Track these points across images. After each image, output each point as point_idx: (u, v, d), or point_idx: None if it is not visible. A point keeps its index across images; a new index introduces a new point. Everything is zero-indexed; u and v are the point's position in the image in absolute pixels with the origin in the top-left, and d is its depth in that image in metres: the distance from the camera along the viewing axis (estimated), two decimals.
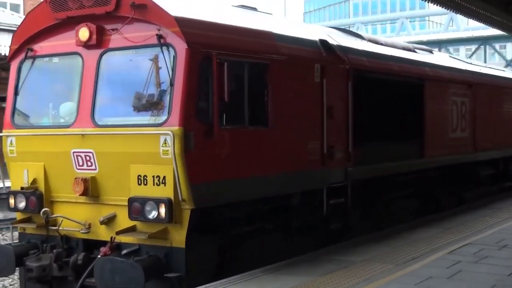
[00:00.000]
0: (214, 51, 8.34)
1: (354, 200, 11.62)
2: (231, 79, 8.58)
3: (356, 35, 13.48)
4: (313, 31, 11.16)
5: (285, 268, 9.09)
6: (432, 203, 15.27)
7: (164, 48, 8.21)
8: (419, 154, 13.91)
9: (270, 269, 8.99)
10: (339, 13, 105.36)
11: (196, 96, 8.23)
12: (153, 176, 8.26)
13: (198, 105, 8.26)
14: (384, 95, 12.48)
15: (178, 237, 8.25)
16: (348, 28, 34.16)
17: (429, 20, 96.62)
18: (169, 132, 7.96)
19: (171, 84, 8.13)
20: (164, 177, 8.18)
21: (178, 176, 8.01)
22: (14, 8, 31.47)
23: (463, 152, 15.82)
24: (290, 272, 8.88)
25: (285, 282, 8.34)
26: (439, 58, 16.18)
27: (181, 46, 8.13)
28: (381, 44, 13.57)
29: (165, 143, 8.05)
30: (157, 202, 8.15)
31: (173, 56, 8.18)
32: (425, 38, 60.86)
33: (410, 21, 77.41)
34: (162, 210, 8.13)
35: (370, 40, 13.38)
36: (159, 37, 8.20)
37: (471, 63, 18.56)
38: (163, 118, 8.22)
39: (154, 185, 8.27)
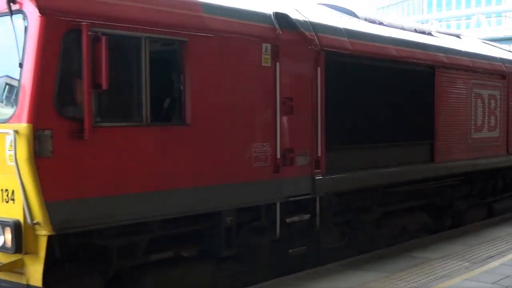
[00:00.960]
0: (85, 21, 6.12)
1: (326, 218, 9.23)
2: (117, 59, 6.38)
3: (348, 12, 11.00)
4: (273, 3, 8.78)
5: (362, 264, 9.26)
6: (448, 217, 12.62)
7: (15, 16, 6.06)
8: (429, 159, 11.33)
9: (345, 264, 9.23)
10: (413, 9, 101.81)
11: (57, 81, 6.02)
12: (1, 190, 6.14)
13: (59, 94, 6.05)
14: (376, 86, 10.01)
15: (34, 273, 6.09)
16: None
17: (505, 16, 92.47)
18: (10, 131, 5.81)
19: (20, 65, 5.97)
20: (12, 192, 6.04)
21: (25, 191, 5.84)
22: None
23: (491, 155, 13.09)
24: (366, 268, 9.05)
25: (363, 277, 8.49)
26: (464, 43, 13.46)
27: (33, 13, 5.96)
28: (380, 24, 11.06)
29: (11, 146, 5.90)
30: (2, 225, 6.03)
31: (25, 27, 6.02)
32: (501, 34, 56.95)
33: (486, 17, 73.82)
34: (8, 236, 6.00)
35: (366, 19, 10.90)
36: (10, 1, 6.06)
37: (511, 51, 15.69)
38: (10, 111, 6.08)
39: (2, 201, 6.15)
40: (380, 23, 11.08)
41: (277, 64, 8.15)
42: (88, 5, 6.30)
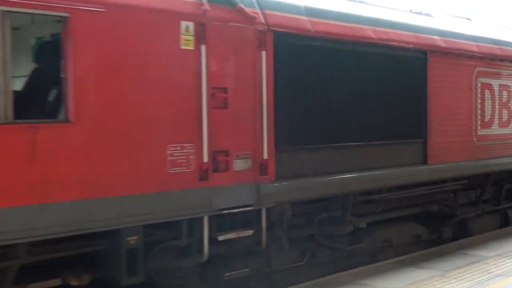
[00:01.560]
0: None
1: (278, 233, 7.70)
2: None
3: None
4: None
5: (415, 261, 9.16)
6: (449, 227, 10.88)
7: None
8: (421, 160, 9.65)
9: (398, 262, 9.13)
10: None
11: None
12: None
13: None
14: (347, 74, 8.39)
15: None
16: None
17: None
18: None
19: None
20: None
21: None
22: None
23: (503, 154, 11.30)
24: (420, 265, 8.95)
25: (416, 275, 8.44)
26: (473, 26, 11.66)
27: None
28: (361, 2, 9.40)
29: None
30: None
31: None
32: None
33: None
34: None
35: None
36: None
37: None
38: None
39: None
40: (361, 1, 9.41)
41: (203, 47, 6.63)
42: None
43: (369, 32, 8.72)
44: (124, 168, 6.01)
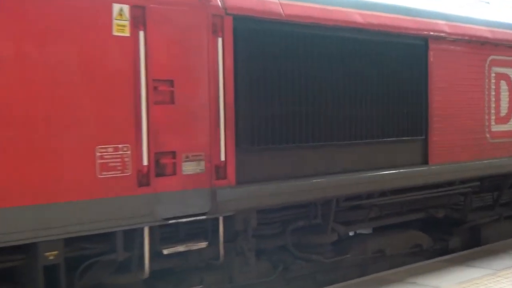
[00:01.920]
0: None
1: (240, 244, 6.82)
2: None
3: None
4: None
5: (466, 260, 8.99)
6: (457, 236, 9.81)
7: None
8: (421, 160, 8.61)
9: (449, 260, 8.97)
10: None
11: None
12: None
13: None
14: (329, 64, 7.43)
15: None
16: None
17: None
18: None
19: None
20: None
21: None
22: None
23: None
24: (471, 264, 8.81)
25: (467, 273, 8.33)
26: (489, 10, 10.51)
27: None
28: None
29: None
30: None
31: None
32: None
33: None
34: None
35: None
36: None
37: None
38: None
39: None
40: None
41: (141, 33, 5.77)
42: None
43: (356, 16, 7.73)
44: (42, 173, 5.21)
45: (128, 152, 5.74)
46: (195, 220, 6.24)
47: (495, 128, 9.66)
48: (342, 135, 7.55)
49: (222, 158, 6.40)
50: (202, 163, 6.28)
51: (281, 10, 6.94)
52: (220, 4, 6.40)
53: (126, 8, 5.72)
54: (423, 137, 8.56)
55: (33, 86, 5.17)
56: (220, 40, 6.36)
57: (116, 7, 5.67)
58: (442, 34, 8.77)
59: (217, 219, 6.45)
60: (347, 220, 8.16)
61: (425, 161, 8.61)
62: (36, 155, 5.18)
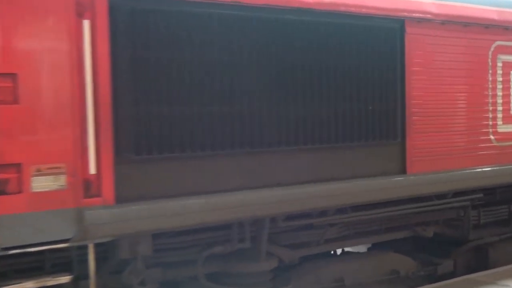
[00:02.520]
0: None
1: (127, 277, 5.51)
2: None
3: None
4: None
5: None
6: (450, 259, 8.14)
7: None
8: (397, 169, 7.04)
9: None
10: None
11: None
12: None
13: None
14: (258, 51, 6.01)
15: None
16: None
17: None
18: None
19: None
20: None
21: None
22: None
23: None
24: None
25: None
26: None
27: None
28: None
29: None
30: None
31: None
32: None
33: None
34: None
35: None
36: None
37: None
38: None
39: None
40: None
41: None
42: None
43: None
44: None
45: None
46: (53, 248, 4.99)
47: (503, 128, 7.94)
48: (279, 140, 6.11)
49: (92, 171, 5.10)
50: (63, 178, 5.01)
51: None
52: None
53: None
54: (398, 140, 6.98)
55: None
56: (87, 23, 5.05)
57: None
58: (425, 16, 7.15)
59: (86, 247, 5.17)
60: (296, 242, 6.70)
61: (402, 170, 7.03)
62: None
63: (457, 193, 7.76)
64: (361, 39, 6.64)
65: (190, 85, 5.60)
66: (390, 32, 6.91)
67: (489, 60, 7.76)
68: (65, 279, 5.08)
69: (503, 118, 7.97)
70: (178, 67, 5.53)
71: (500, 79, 7.92)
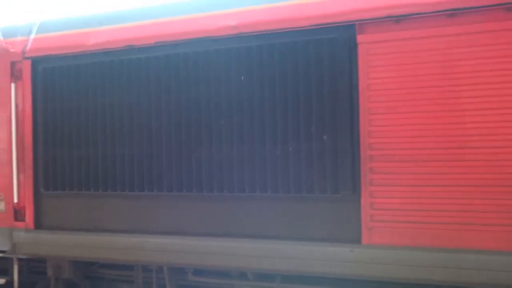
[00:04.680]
0: None
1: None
2: None
3: None
4: None
5: None
6: None
7: None
8: (350, 236, 5.10)
9: None
10: None
11: None
12: None
13: None
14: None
15: None
16: None
17: None
18: None
19: None
20: None
21: None
22: None
23: None
24: None
25: None
26: None
27: None
28: None
29: None
30: None
31: None
32: None
33: None
34: None
35: None
36: None
37: None
38: None
39: None
40: None
41: None
42: None
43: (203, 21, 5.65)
44: None
45: None
46: None
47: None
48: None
49: (15, 200, 6.53)
50: (2, 204, 6.66)
51: (87, 40, 6.19)
52: (21, 49, 6.56)
53: None
54: (349, 194, 5.02)
55: None
56: (13, 85, 6.55)
57: None
58: (391, 12, 4.84)
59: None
60: None
61: (355, 239, 5.00)
62: None
63: None
64: (297, 60, 5.23)
65: (84, 131, 6.14)
66: (335, 45, 5.06)
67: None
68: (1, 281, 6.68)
69: None
70: (74, 115, 6.19)
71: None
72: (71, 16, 6.50)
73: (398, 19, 4.82)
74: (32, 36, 6.52)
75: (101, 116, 6.03)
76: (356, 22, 4.97)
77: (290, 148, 5.16)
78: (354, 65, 4.96)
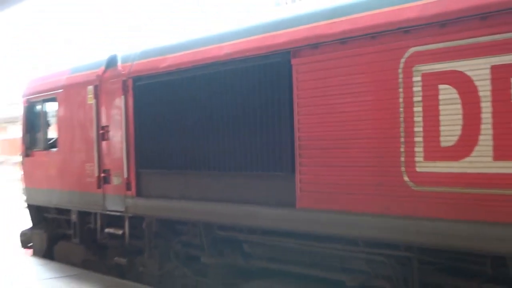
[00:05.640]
0: None
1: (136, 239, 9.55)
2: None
3: None
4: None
5: None
6: None
7: None
8: (290, 202, 7.13)
9: None
10: None
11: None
12: None
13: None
14: (187, 102, 8.41)
15: None
16: None
17: None
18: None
19: None
20: None
21: None
22: None
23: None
24: None
25: None
26: None
27: None
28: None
29: None
30: None
31: None
32: None
33: None
34: None
35: None
36: None
37: None
38: None
39: None
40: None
41: (95, 100, 10.09)
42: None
43: (217, 50, 7.99)
44: (72, 174, 10.88)
45: (93, 167, 10.25)
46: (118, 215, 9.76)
47: (425, 167, 5.74)
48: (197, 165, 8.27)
49: (125, 175, 9.47)
50: (120, 178, 9.67)
51: (159, 64, 8.87)
52: (127, 71, 9.47)
53: (92, 87, 10.24)
54: (289, 172, 7.04)
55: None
56: (123, 97, 9.48)
57: (89, 88, 10.32)
58: (313, 41, 6.72)
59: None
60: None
61: (292, 204, 7.02)
62: (72, 167, 10.95)
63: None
64: (254, 78, 7.36)
65: (165, 126, 8.76)
66: (278, 67, 7.07)
67: (401, 75, 5.88)
68: (119, 232, 9.68)
69: (426, 153, 5.71)
70: (160, 117, 8.82)
71: (419, 98, 5.75)
72: (154, 46, 9.24)
73: (315, 46, 6.68)
74: (134, 62, 9.37)
75: (176, 118, 8.56)
76: (291, 50, 6.92)
77: (269, 141, 7.25)
78: (290, 81, 6.93)
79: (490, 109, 5.30)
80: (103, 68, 10.00)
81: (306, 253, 7.32)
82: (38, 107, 11.90)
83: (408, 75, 5.84)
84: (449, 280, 6.04)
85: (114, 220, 10.00)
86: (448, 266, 6.05)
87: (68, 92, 10.83)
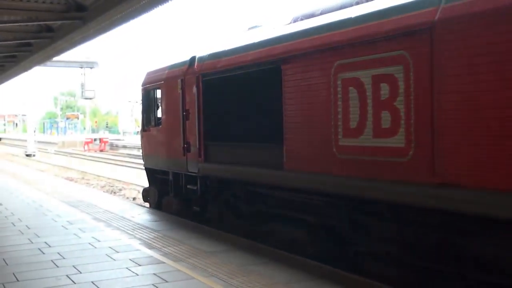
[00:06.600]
0: None
1: (205, 192, 12.97)
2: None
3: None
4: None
5: None
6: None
7: None
8: (280, 165, 10.20)
9: None
10: None
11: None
12: None
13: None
14: (241, 92, 11.61)
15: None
16: None
17: None
18: None
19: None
20: None
21: None
22: None
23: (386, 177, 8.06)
24: None
25: None
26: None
27: None
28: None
29: None
30: None
31: None
32: None
33: None
34: None
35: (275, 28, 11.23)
36: None
37: None
38: None
39: None
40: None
41: (181, 90, 13.62)
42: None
43: (247, 56, 11.13)
44: (171, 146, 14.58)
45: (181, 141, 13.82)
46: (194, 175, 13.25)
47: (343, 142, 8.56)
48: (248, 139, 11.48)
49: (198, 146, 12.93)
50: (196, 149, 13.14)
51: (216, 65, 12.18)
52: (199, 69, 12.87)
53: (179, 80, 13.76)
54: (281, 144, 10.05)
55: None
56: (195, 87, 12.91)
57: (178, 80, 13.85)
58: (292, 54, 9.66)
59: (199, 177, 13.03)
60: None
61: (281, 166, 10.05)
62: (174, 140, 14.68)
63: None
64: (270, 78, 10.42)
65: (219, 110, 12.10)
66: (275, 71, 10.08)
67: (332, 79, 8.70)
68: (195, 188, 13.17)
69: (344, 132, 8.51)
70: (222, 103, 12.16)
71: (340, 95, 8.54)
72: (213, 51, 12.54)
73: (293, 57, 9.62)
74: (203, 62, 12.73)
75: (225, 105, 11.87)
76: (281, 58, 9.90)
77: (269, 122, 10.33)
78: (281, 80, 9.92)
79: (371, 104, 8.03)
80: (186, 66, 13.47)
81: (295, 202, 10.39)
82: (151, 94, 15.68)
83: (335, 80, 8.66)
84: (362, 217, 8.83)
85: (194, 179, 13.51)
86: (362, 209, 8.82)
87: (167, 83, 14.45)
